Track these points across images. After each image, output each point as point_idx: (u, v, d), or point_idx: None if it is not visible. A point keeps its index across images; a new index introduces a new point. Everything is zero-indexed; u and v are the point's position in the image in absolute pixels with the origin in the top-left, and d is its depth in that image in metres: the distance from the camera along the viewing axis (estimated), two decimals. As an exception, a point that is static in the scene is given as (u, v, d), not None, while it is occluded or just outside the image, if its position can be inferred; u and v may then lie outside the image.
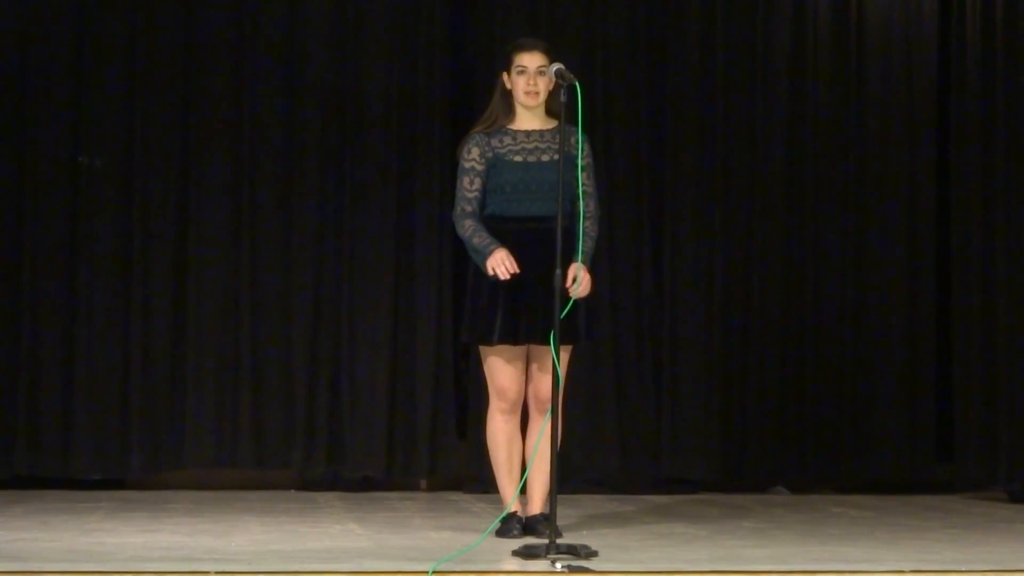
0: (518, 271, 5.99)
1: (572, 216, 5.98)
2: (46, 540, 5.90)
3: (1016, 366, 8.50)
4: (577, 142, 6.10)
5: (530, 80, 6.13)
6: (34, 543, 5.80)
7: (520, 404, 6.22)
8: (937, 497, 8.42)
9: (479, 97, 8.30)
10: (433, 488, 8.43)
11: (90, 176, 8.23)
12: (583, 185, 6.12)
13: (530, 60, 6.14)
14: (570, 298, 5.88)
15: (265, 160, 8.38)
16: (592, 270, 6.13)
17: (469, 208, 6.16)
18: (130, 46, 8.29)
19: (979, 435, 8.57)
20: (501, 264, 5.99)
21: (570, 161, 6.04)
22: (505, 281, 6.02)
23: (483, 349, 6.20)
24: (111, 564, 5.15)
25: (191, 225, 8.30)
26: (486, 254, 6.04)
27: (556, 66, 5.97)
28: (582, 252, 6.05)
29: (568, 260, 5.87)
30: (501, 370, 6.15)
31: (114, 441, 8.16)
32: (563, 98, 5.84)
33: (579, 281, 6.02)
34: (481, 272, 6.10)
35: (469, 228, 6.13)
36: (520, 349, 6.14)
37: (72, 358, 8.16)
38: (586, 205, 6.10)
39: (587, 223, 6.12)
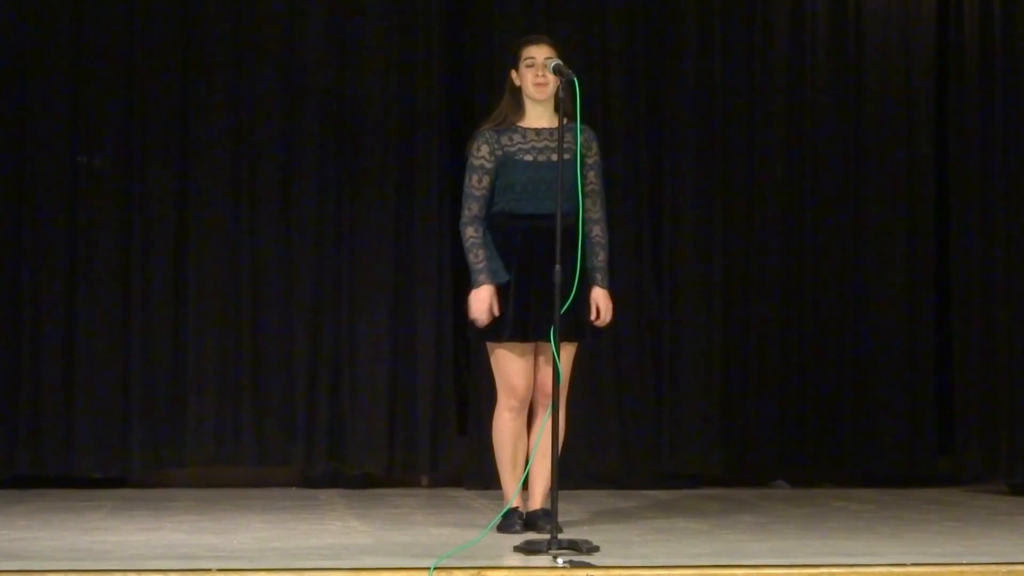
0: (497, 315, 6.04)
1: (577, 214, 5.99)
2: (48, 539, 5.89)
3: (1016, 359, 8.50)
4: (586, 140, 6.09)
5: (539, 71, 6.12)
6: (36, 542, 5.80)
7: (528, 401, 6.20)
8: (938, 490, 8.42)
9: (477, 100, 8.34)
10: (434, 484, 8.44)
11: (90, 175, 8.24)
12: (590, 184, 6.12)
13: (538, 52, 6.15)
14: (570, 294, 5.87)
15: (264, 159, 8.38)
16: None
17: (475, 207, 6.14)
18: (129, 46, 8.29)
19: (980, 428, 8.57)
20: (482, 313, 6.05)
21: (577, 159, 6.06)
22: (513, 278, 6.06)
23: (492, 346, 6.18)
24: (113, 563, 5.14)
25: (191, 223, 8.30)
26: (473, 280, 6.10)
27: (554, 62, 5.99)
28: (599, 270, 6.14)
29: (572, 256, 5.86)
30: (511, 367, 6.13)
31: (115, 439, 8.16)
32: (561, 93, 5.84)
33: (604, 314, 6.14)
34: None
35: (469, 239, 6.13)
36: (529, 346, 6.14)
37: (73, 357, 8.16)
38: (592, 204, 6.10)
39: (596, 228, 6.15)
